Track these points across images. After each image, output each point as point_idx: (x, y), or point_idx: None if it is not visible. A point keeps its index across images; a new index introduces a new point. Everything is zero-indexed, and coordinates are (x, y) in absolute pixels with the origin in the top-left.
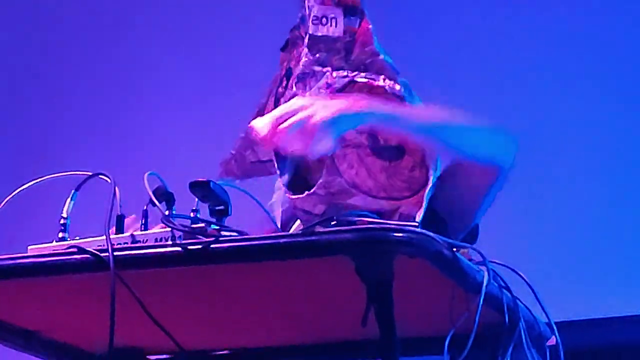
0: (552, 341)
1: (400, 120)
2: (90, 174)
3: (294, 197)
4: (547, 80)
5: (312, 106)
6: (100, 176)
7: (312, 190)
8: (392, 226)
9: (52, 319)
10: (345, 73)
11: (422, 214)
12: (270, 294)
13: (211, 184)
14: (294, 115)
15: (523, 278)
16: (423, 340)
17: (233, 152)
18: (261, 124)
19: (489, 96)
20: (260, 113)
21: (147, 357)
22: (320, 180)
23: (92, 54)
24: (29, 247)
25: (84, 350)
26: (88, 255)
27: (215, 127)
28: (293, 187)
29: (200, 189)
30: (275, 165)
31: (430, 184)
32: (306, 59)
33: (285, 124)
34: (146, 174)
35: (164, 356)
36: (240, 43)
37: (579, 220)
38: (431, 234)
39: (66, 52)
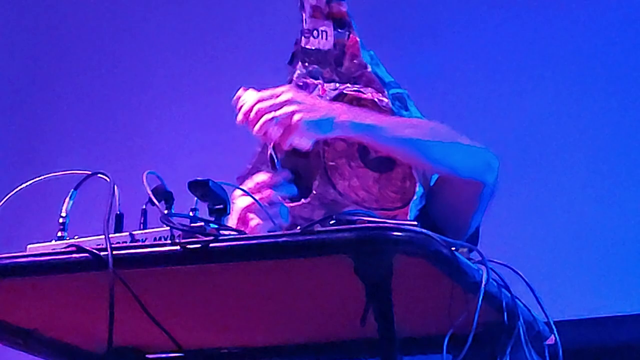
0: (551, 340)
1: (383, 132)
2: (89, 172)
3: (291, 204)
4: (547, 80)
5: (299, 104)
6: (99, 175)
7: (307, 201)
8: (391, 225)
9: (51, 318)
10: (336, 85)
11: None
12: (269, 293)
13: (210, 183)
14: (280, 108)
15: (522, 277)
16: (422, 339)
17: (249, 166)
18: (248, 100)
19: (490, 97)
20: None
21: (147, 356)
22: (314, 192)
23: (92, 53)
24: (28, 246)
25: (83, 349)
26: (87, 254)
27: (214, 126)
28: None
29: (199, 188)
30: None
31: (415, 196)
32: (299, 72)
33: (269, 116)
34: (145, 173)
35: (163, 355)
36: (240, 43)
37: (578, 220)
38: (430, 233)
39: (66, 51)
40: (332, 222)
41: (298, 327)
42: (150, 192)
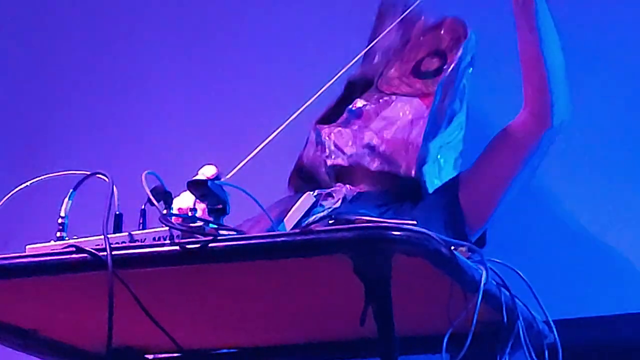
0: (550, 339)
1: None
2: (88, 173)
3: (325, 126)
4: None
5: None
6: (98, 175)
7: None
8: (390, 225)
9: (50, 318)
10: None
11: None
12: (268, 293)
13: (209, 183)
14: None
15: (521, 276)
16: (421, 339)
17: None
18: None
19: (488, 95)
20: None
21: (146, 356)
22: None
23: (90, 52)
24: (27, 247)
25: (82, 349)
26: (86, 255)
27: (213, 126)
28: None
29: (198, 188)
30: None
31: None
32: None
33: None
34: (144, 173)
35: (163, 355)
36: (239, 42)
37: (577, 219)
38: (429, 232)
39: (64, 50)
40: (331, 221)
41: (297, 327)
42: (149, 192)
